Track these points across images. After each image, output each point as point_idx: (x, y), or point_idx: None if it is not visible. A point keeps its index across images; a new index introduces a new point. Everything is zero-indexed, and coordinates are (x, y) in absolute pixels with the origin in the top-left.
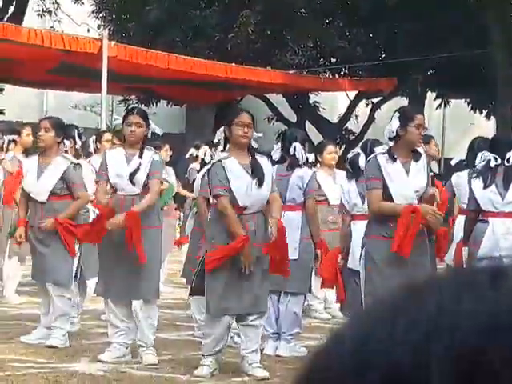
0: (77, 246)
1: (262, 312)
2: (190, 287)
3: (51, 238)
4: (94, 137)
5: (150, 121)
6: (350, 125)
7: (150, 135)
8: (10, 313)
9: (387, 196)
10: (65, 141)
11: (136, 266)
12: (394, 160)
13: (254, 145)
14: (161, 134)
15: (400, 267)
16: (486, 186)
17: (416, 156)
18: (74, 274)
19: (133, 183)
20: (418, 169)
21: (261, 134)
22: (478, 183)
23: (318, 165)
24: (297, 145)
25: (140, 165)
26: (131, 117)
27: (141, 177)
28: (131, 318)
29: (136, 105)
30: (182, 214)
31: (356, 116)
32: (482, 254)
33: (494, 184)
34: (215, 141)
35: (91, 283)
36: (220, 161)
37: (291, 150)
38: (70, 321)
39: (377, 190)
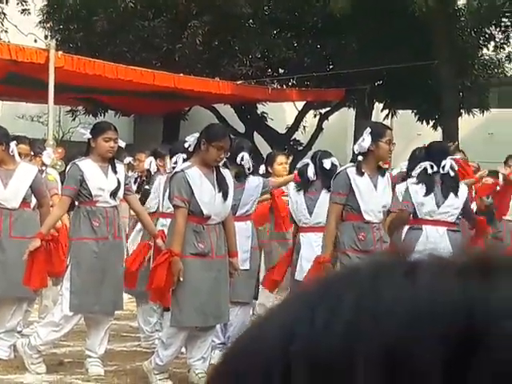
0: None
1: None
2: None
3: (20, 249)
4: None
5: None
6: (297, 135)
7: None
8: None
9: (355, 210)
10: (11, 145)
11: (117, 278)
12: (362, 174)
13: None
14: (123, 146)
15: None
16: (426, 194)
17: (382, 171)
18: None
19: (114, 198)
20: (384, 184)
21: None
22: (419, 189)
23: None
24: (244, 154)
25: (119, 182)
26: (110, 132)
27: (121, 192)
28: None
29: (83, 115)
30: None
31: (304, 127)
32: None
33: (432, 192)
34: (186, 145)
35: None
36: (182, 171)
37: (238, 160)
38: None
39: (338, 205)
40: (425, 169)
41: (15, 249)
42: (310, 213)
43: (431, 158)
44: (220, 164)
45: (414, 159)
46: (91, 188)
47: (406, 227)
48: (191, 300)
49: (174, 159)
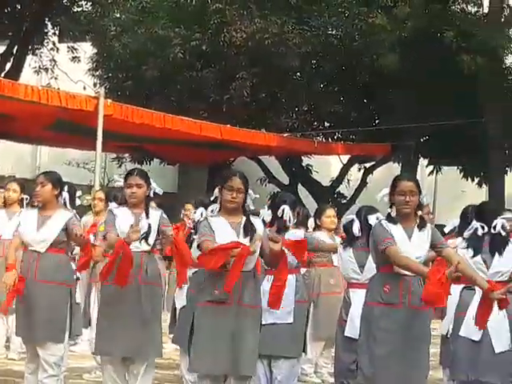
0: None
1: (244, 376)
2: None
3: (45, 292)
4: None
5: (152, 180)
6: (341, 189)
7: (152, 195)
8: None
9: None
10: (63, 193)
11: (140, 324)
12: (395, 223)
13: (251, 206)
14: (161, 193)
15: (396, 334)
16: (474, 255)
17: (421, 224)
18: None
19: (146, 243)
20: (420, 237)
21: (257, 195)
22: (467, 253)
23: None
24: (285, 207)
25: (150, 226)
26: (131, 178)
27: (152, 237)
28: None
29: (129, 163)
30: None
31: (348, 180)
32: (468, 321)
33: (480, 254)
34: (212, 198)
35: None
36: (206, 218)
37: (279, 212)
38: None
39: (393, 246)
40: (475, 229)
41: (39, 292)
42: (361, 269)
43: (482, 219)
44: (248, 207)
45: (465, 217)
46: (120, 233)
47: (461, 287)
48: (203, 346)
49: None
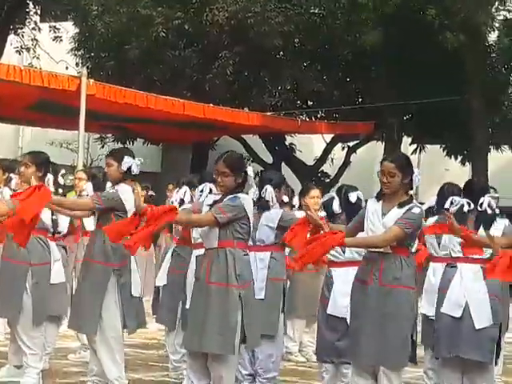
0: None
1: (216, 354)
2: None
3: (5, 270)
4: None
5: (126, 157)
6: (325, 168)
7: (134, 171)
8: None
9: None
10: (48, 175)
11: (85, 301)
12: (378, 200)
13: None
14: (136, 169)
15: (366, 311)
16: None
17: (403, 203)
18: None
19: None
20: (397, 213)
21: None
22: None
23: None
24: (268, 187)
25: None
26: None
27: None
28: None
29: (112, 143)
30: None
31: (332, 159)
32: (450, 298)
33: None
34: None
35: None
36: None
37: (262, 192)
38: (42, 359)
39: (350, 224)
40: (461, 206)
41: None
42: (343, 248)
43: (468, 196)
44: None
45: (443, 195)
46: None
47: (444, 265)
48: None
49: (200, 187)
